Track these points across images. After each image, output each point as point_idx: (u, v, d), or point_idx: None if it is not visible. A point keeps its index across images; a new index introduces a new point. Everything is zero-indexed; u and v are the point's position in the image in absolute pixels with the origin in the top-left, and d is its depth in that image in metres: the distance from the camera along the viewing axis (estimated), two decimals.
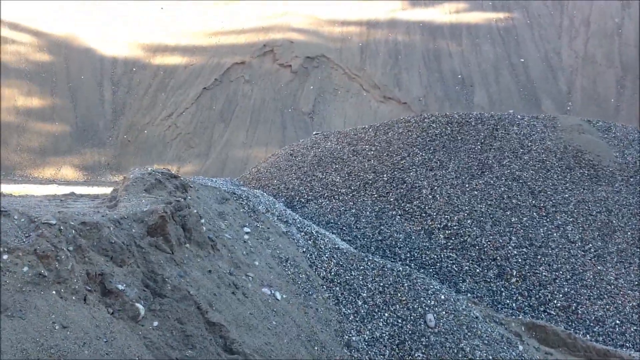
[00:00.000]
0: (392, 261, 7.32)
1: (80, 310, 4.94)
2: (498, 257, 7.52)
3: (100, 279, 5.30)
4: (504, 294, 7.18)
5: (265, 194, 8.06)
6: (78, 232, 5.38)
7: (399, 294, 6.53)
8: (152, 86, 24.97)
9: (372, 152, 9.33)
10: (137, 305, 5.26)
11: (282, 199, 8.33)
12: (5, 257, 4.88)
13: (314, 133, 10.33)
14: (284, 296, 6.17)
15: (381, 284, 6.63)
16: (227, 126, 24.16)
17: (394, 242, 7.80)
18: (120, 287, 5.30)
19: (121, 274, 5.45)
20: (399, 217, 8.20)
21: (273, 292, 6.17)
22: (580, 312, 7.09)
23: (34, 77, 24.31)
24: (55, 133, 23.50)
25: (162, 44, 25.72)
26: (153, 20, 25.95)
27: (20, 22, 24.43)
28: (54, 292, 4.92)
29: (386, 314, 6.36)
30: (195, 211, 6.40)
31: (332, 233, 7.79)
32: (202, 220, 6.43)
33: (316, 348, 5.77)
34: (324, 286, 6.55)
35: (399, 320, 6.31)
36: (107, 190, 16.24)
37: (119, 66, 25.02)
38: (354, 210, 8.41)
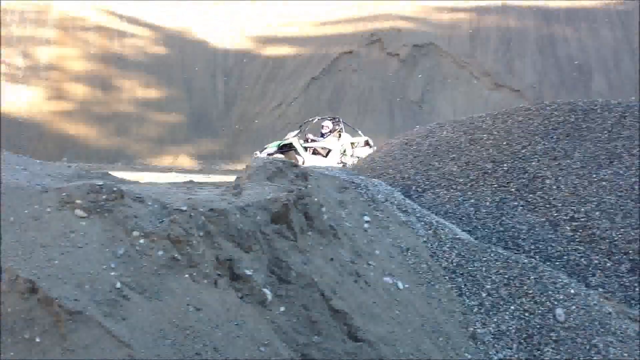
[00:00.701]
0: (515, 253, 7.12)
1: (212, 294, 5.11)
2: (630, 251, 7.17)
3: (228, 264, 5.45)
4: (637, 289, 6.84)
5: (383, 183, 8.04)
6: (207, 218, 5.55)
7: (525, 287, 6.35)
8: (262, 77, 25.47)
9: (491, 141, 9.10)
10: (265, 290, 5.38)
11: (398, 189, 8.28)
12: (141, 241, 5.11)
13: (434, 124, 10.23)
14: (406, 286, 6.14)
15: (506, 276, 6.47)
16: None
17: (516, 234, 7.59)
18: (248, 272, 5.43)
19: (248, 259, 5.58)
20: (521, 207, 7.97)
21: (395, 281, 6.14)
22: None
23: (151, 69, 25.32)
24: (171, 123, 24.43)
25: (271, 36, 26.15)
26: (262, 12, 26.41)
27: (139, 17, 25.48)
28: (187, 275, 5.10)
29: (512, 307, 6.20)
30: (316, 199, 6.46)
31: (451, 223, 7.68)
32: (323, 209, 6.48)
33: (441, 339, 5.70)
34: (446, 277, 6.46)
35: (526, 314, 6.15)
36: (222, 178, 16.67)
37: (231, 58, 25.66)
38: (472, 200, 8.25)
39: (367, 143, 17.53)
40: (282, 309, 5.37)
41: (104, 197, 5.20)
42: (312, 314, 5.42)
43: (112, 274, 4.78)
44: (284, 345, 5.10)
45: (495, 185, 8.39)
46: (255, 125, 24.28)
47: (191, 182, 8.15)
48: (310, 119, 18.03)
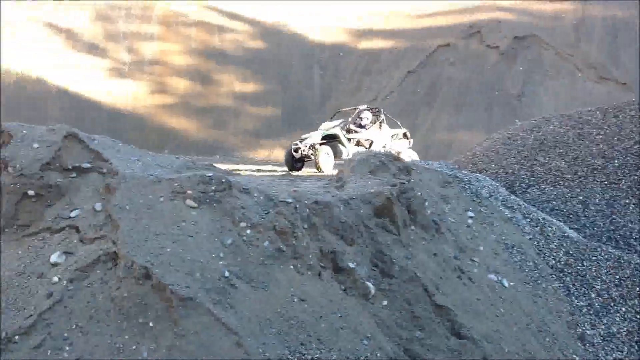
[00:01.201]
0: (627, 253, 6.82)
1: (316, 286, 5.15)
2: None
3: (332, 256, 5.49)
4: None
5: (487, 178, 7.87)
6: (312, 210, 5.60)
7: (638, 289, 6.08)
8: (357, 70, 25.44)
9: (601, 136, 8.74)
10: (368, 283, 5.38)
11: (502, 184, 8.08)
12: (248, 231, 5.21)
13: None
14: (511, 283, 5.99)
15: (617, 277, 6.21)
16: (431, 109, 23.98)
17: (628, 233, 7.27)
18: (351, 265, 5.44)
19: (351, 252, 5.59)
20: (633, 205, 7.62)
21: (500, 278, 6.01)
22: None
23: (249, 63, 25.79)
24: (267, 116, 24.81)
25: (367, 28, 26.06)
26: (358, 5, 26.35)
27: (238, 12, 25.98)
28: (291, 266, 5.17)
29: (623, 309, 5.95)
30: (419, 193, 6.40)
31: (558, 220, 7.43)
32: (426, 203, 6.41)
33: (547, 339, 5.54)
34: (553, 275, 6.27)
35: (638, 317, 5.88)
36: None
37: (327, 51, 25.77)
38: (581, 198, 7.95)
39: (405, 135, 16.70)
40: (384, 302, 5.36)
41: (213, 188, 5.34)
42: (414, 308, 5.38)
43: (221, 263, 4.90)
44: (387, 340, 5.09)
45: (606, 182, 8.06)
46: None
47: (289, 174, 8.25)
48: (345, 109, 17.31)
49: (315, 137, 14.43)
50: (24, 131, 5.73)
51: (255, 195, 5.57)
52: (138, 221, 5.08)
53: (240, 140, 24.54)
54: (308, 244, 5.35)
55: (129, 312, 4.62)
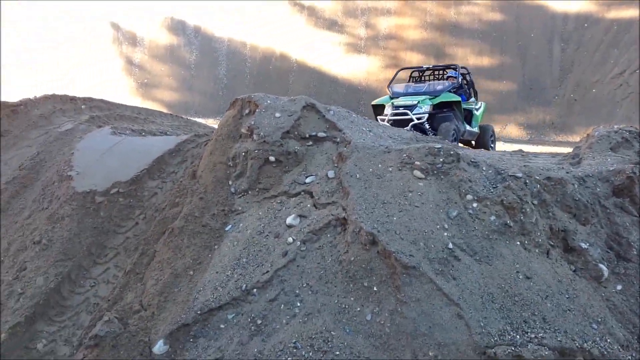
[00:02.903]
0: None
1: (543, 264, 4.97)
2: None
3: (562, 235, 5.24)
4: None
5: None
6: (542, 186, 5.38)
7: None
8: (603, 42, 23.64)
9: None
10: (600, 265, 5.07)
11: None
12: (475, 205, 5.16)
13: None
14: None
15: None
16: None
17: None
18: (583, 245, 5.16)
19: (584, 232, 5.30)
20: None
21: None
22: None
23: (485, 36, 25.15)
24: (502, 91, 24.08)
25: None
26: None
27: None
28: (518, 242, 5.03)
29: None
30: None
31: None
32: None
33: None
34: None
35: None
36: (553, 149, 16.02)
37: (570, 22, 24.27)
38: None
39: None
40: (618, 287, 5.02)
41: (441, 159, 5.36)
42: None
43: (445, 234, 4.92)
44: (619, 326, 4.77)
45: None
46: (591, 95, 22.74)
47: (520, 150, 7.96)
48: (414, 68, 13.87)
49: (424, 105, 11.25)
50: (268, 101, 6.19)
51: (484, 168, 5.49)
52: (367, 189, 5.27)
53: None
54: (537, 220, 5.17)
55: (355, 275, 4.83)
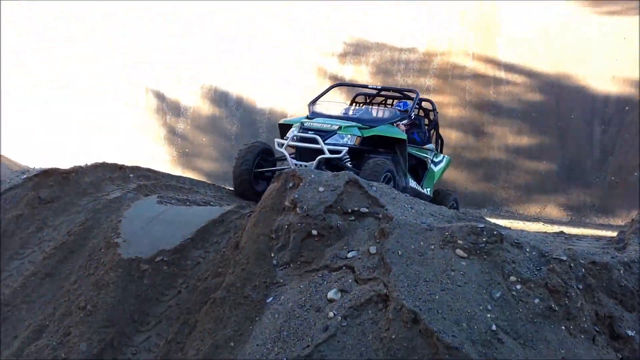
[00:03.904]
0: None
1: (589, 350, 4.88)
2: None
3: (608, 321, 5.16)
4: None
5: None
6: (587, 270, 5.33)
7: None
8: None
9: None
10: None
11: None
12: (518, 286, 5.12)
13: None
14: None
15: None
16: None
17: None
18: (630, 333, 5.07)
19: (630, 319, 5.21)
20: None
21: None
22: None
23: (524, 116, 25.26)
24: (542, 171, 23.97)
25: None
26: None
27: (516, 64, 25.70)
28: (563, 327, 4.96)
29: None
30: None
31: None
32: None
33: None
34: None
35: None
36: (594, 232, 15.79)
37: (611, 105, 24.29)
38: None
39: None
40: None
41: (484, 239, 5.36)
42: None
43: (488, 315, 4.88)
44: None
45: None
46: (633, 178, 22.52)
47: (562, 232, 7.91)
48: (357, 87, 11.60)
49: (347, 134, 7.99)
50: (312, 175, 6.31)
51: (527, 250, 5.46)
52: (409, 266, 5.28)
53: (510, 194, 23.98)
54: (582, 305, 5.10)
55: (396, 354, 4.80)
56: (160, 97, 29.34)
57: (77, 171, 7.69)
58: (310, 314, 5.29)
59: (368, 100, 10.33)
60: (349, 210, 6.01)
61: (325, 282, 5.51)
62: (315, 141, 7.95)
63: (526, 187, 24.05)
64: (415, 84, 27.13)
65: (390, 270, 5.25)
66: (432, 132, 9.95)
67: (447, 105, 26.40)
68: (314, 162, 7.89)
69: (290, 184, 6.32)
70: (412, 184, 8.86)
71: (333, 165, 7.97)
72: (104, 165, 7.89)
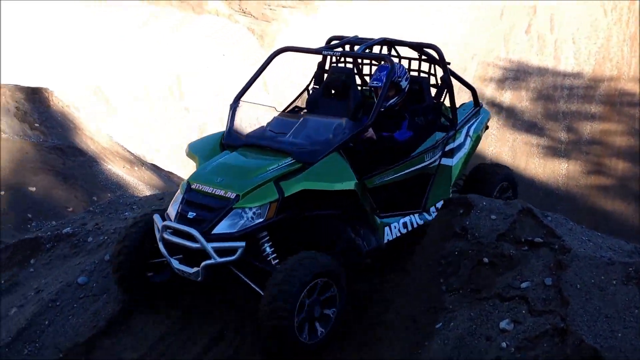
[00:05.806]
0: None
1: None
2: None
3: None
4: None
5: None
6: None
7: None
8: None
9: None
10: None
11: None
12: None
13: None
14: None
15: None
16: None
17: None
18: None
19: None
20: None
21: None
22: None
23: None
24: None
25: None
26: None
27: None
28: None
29: None
30: None
31: None
32: None
33: None
34: None
35: None
36: None
37: None
38: None
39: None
40: None
41: None
42: None
43: None
44: None
45: None
46: None
47: None
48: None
49: (255, 203, 5.12)
50: (484, 202, 6.25)
51: None
52: (588, 301, 5.09)
53: None
54: None
55: None
56: None
57: None
58: (481, 343, 5.23)
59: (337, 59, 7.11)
60: (522, 240, 5.89)
61: (496, 312, 5.43)
62: (193, 238, 5.08)
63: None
64: (580, 111, 26.05)
65: (568, 304, 5.08)
66: (444, 95, 6.89)
67: (615, 133, 25.08)
68: (199, 270, 5.12)
69: (461, 211, 6.30)
70: (398, 224, 6.25)
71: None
72: None
